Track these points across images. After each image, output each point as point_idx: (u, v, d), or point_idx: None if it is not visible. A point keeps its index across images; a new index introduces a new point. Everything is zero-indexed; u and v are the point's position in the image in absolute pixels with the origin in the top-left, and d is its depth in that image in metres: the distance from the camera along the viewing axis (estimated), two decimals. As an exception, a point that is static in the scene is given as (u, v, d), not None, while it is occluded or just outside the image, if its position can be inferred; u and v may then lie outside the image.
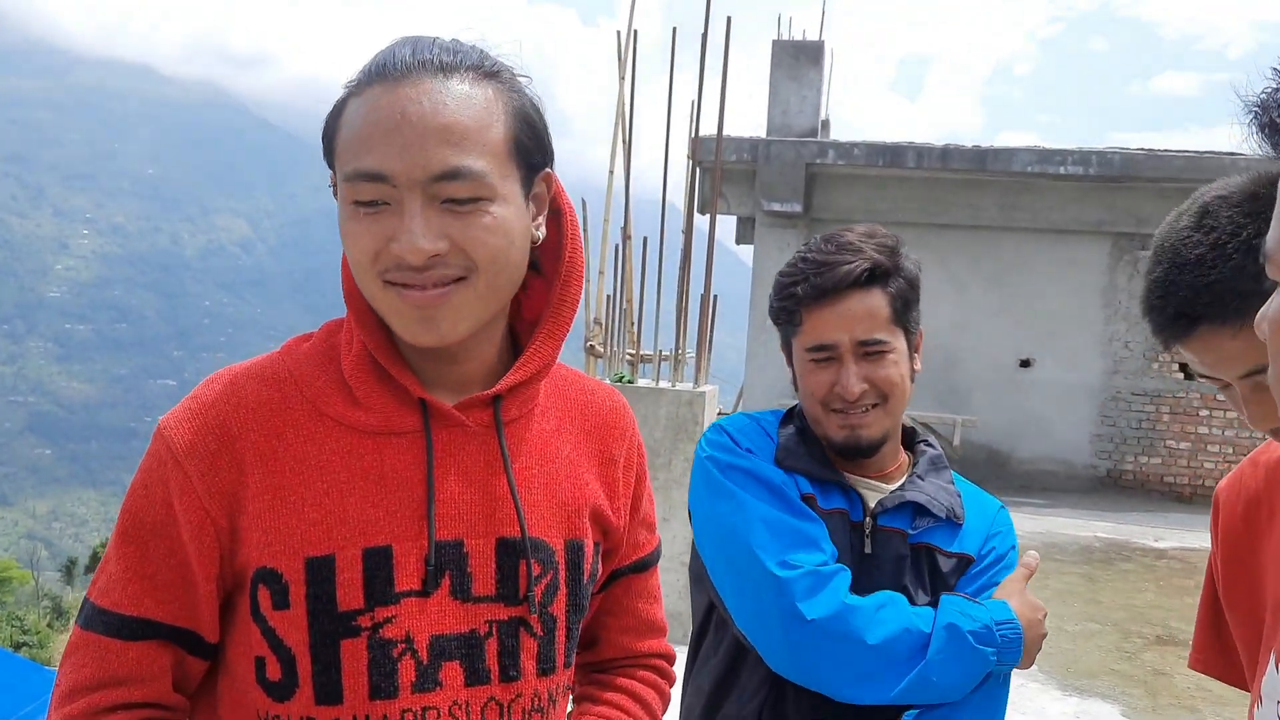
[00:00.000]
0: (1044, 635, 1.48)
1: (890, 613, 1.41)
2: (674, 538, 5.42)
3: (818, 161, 11.62)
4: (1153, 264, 1.22)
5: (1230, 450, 11.55)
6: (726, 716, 1.51)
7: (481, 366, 1.13)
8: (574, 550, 1.16)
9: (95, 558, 56.71)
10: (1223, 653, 1.45)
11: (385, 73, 1.00)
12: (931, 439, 1.68)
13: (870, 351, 1.52)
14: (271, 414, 1.05)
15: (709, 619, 1.59)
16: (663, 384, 5.73)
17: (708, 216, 7.74)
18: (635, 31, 7.45)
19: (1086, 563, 7.93)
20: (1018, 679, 5.04)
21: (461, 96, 0.99)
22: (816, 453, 1.56)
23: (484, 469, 1.10)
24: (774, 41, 12.56)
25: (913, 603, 1.48)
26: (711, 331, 5.93)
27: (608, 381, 5.90)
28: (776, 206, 11.68)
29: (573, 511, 1.16)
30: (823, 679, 1.41)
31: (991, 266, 11.80)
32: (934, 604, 1.48)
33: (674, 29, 6.71)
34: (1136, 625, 6.06)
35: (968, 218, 11.75)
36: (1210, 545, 1.46)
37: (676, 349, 6.02)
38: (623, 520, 1.24)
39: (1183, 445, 11.71)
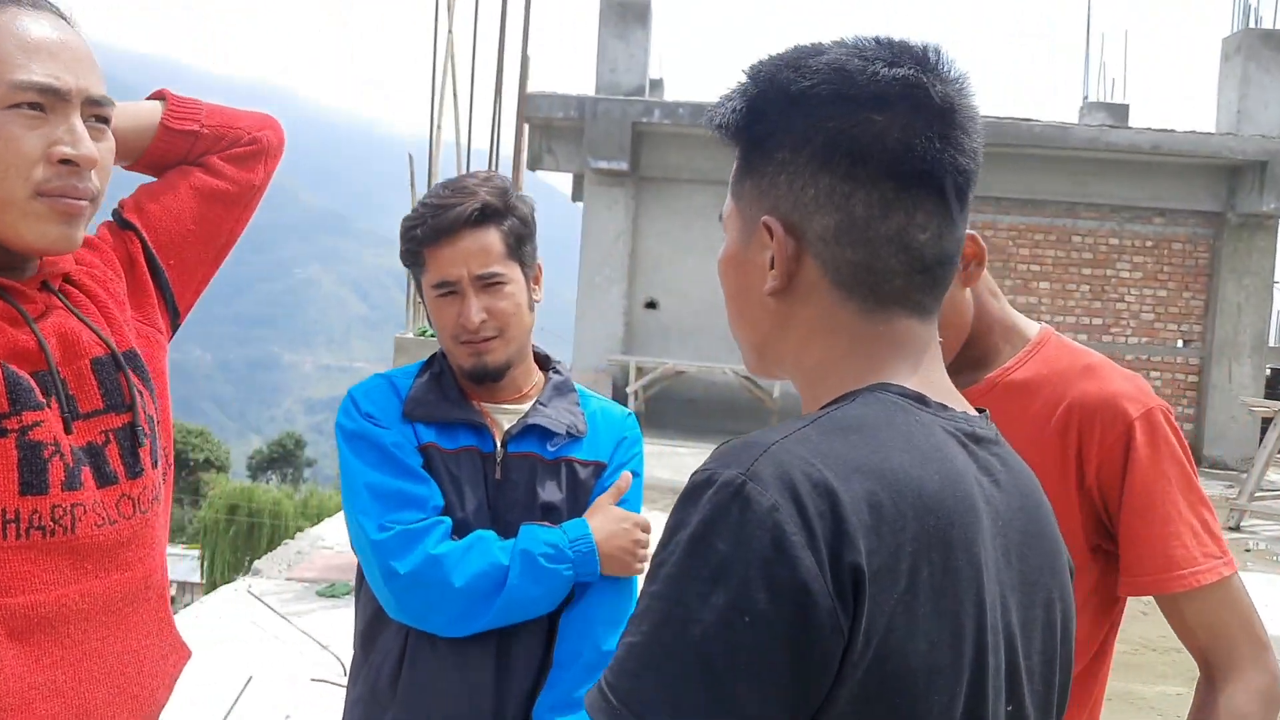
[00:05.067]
0: (637, 541, 1.67)
1: (475, 553, 1.59)
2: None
3: (644, 120, 11.78)
4: None
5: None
6: (381, 648, 1.67)
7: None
8: (132, 357, 1.31)
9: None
10: None
11: None
12: (562, 365, 1.85)
13: (488, 284, 1.66)
14: None
15: None
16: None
17: (513, 173, 7.75)
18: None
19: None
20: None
21: None
22: (452, 393, 1.71)
23: (56, 319, 1.24)
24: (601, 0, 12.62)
25: (555, 512, 1.68)
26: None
27: (411, 335, 5.92)
28: (603, 164, 11.80)
29: (119, 325, 1.32)
30: (425, 621, 1.60)
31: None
32: (579, 510, 1.70)
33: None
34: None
35: (788, 178, 12.11)
36: None
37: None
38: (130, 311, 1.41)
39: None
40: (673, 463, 8.52)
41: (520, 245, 1.70)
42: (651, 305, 12.64)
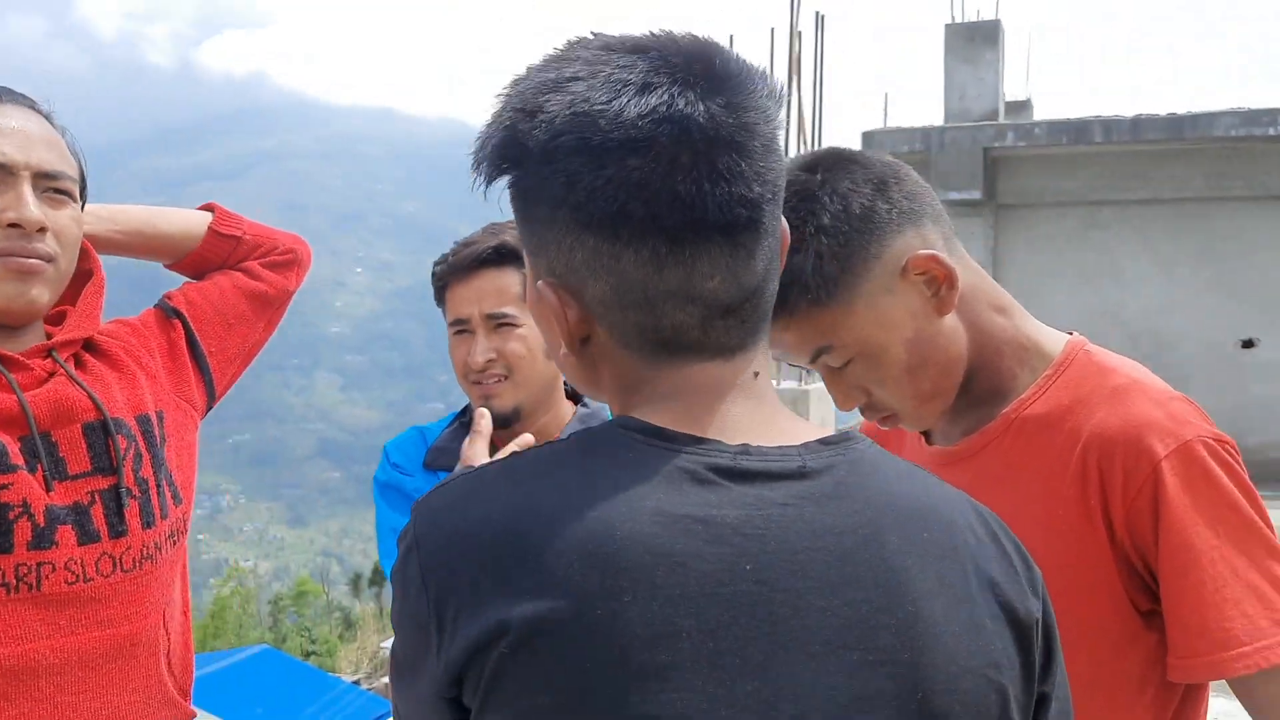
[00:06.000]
0: None
1: None
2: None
3: (996, 145, 11.11)
4: None
5: None
6: None
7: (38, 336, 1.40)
8: (144, 422, 1.40)
9: (378, 572, 60.94)
10: None
11: None
12: (591, 402, 1.72)
13: (500, 324, 1.61)
14: None
15: None
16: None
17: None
18: (799, 33, 7.44)
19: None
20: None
21: None
22: None
23: (54, 385, 1.34)
24: (946, 25, 12.12)
25: None
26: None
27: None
28: (954, 195, 11.23)
29: (135, 392, 1.41)
30: None
31: (1200, 241, 10.86)
32: None
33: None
34: None
35: (1170, 191, 10.88)
36: None
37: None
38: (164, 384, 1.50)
39: None
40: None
41: None
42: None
